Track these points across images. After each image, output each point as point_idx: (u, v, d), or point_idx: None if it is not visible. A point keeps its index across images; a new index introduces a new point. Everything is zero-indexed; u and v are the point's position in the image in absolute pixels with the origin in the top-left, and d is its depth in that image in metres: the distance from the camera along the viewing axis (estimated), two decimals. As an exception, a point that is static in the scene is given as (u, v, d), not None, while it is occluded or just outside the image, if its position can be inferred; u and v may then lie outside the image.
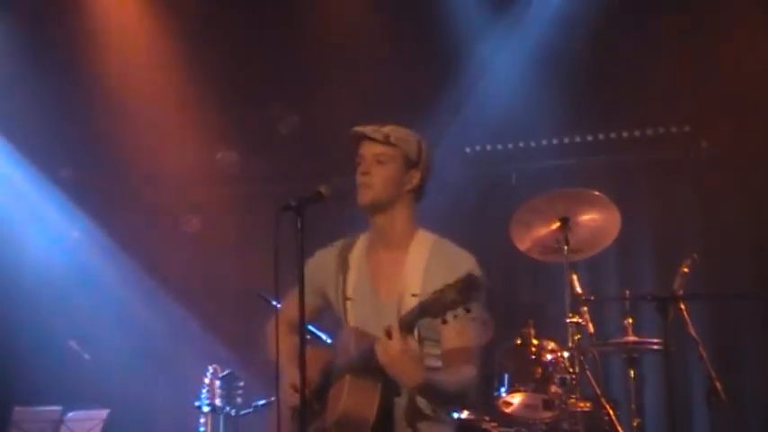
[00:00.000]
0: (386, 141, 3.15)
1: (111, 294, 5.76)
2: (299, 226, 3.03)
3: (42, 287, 5.70)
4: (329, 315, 3.31)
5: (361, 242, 3.28)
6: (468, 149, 6.01)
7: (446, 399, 3.06)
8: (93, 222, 5.88)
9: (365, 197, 3.16)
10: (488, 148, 5.99)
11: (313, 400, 3.13)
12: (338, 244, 3.30)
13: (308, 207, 3.08)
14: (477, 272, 3.01)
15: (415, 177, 3.19)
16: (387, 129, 3.18)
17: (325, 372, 3.13)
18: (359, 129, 3.18)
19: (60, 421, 5.03)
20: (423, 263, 3.13)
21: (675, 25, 5.27)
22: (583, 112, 5.67)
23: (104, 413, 5.14)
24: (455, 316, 2.84)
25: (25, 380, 5.44)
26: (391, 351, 2.87)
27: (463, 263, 3.09)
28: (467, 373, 3.04)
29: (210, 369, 4.88)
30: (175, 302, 5.71)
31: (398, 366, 2.89)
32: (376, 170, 3.15)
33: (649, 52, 5.40)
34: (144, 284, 5.77)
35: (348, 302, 3.20)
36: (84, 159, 5.93)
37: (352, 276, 3.23)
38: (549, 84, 5.53)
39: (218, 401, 4.85)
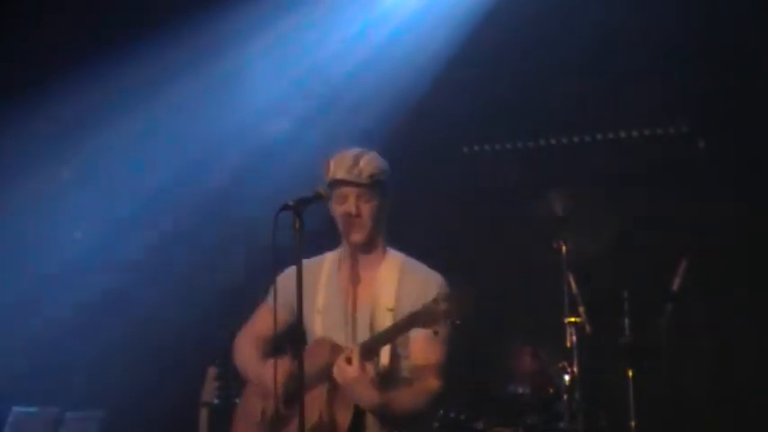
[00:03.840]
0: (370, 183, 3.25)
1: (110, 293, 5.76)
2: (297, 226, 3.08)
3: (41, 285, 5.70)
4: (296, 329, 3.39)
5: (331, 259, 3.45)
6: (465, 149, 6.01)
7: (403, 417, 3.21)
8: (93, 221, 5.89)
9: (359, 236, 3.33)
10: (486, 148, 5.99)
11: (281, 406, 3.28)
12: (307, 261, 3.41)
13: (306, 208, 3.13)
14: (446, 289, 3.24)
15: (389, 200, 3.33)
16: (363, 164, 3.25)
17: (293, 379, 3.23)
18: (342, 176, 3.24)
19: (59, 422, 5.03)
20: (395, 281, 3.31)
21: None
22: (580, 112, 5.67)
23: (101, 413, 5.15)
24: (436, 332, 3.06)
25: (22, 380, 5.43)
26: (347, 376, 3.09)
27: (433, 280, 3.30)
28: (432, 388, 3.24)
29: (210, 369, 4.88)
30: (175, 300, 5.71)
31: (354, 389, 3.10)
32: (364, 209, 3.29)
33: (647, 50, 5.41)
34: (144, 282, 5.77)
35: (318, 316, 3.30)
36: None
37: (323, 292, 3.37)
38: (547, 83, 5.53)
39: (216, 401, 4.86)
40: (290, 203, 3.12)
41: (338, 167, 3.29)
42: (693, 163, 5.51)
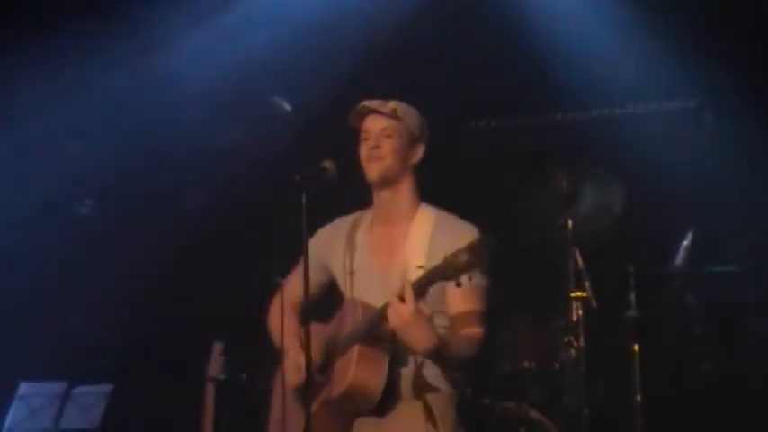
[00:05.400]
0: (393, 115, 3.19)
1: (115, 269, 5.77)
2: (303, 201, 3.05)
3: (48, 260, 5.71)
4: (332, 290, 3.34)
5: (363, 218, 3.34)
6: (472, 124, 6.00)
7: (455, 362, 3.10)
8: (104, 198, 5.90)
9: (375, 170, 3.22)
10: (492, 123, 5.98)
11: (316, 373, 3.17)
12: (338, 221, 3.37)
13: (312, 182, 3.10)
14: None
15: (420, 151, 3.26)
16: (392, 103, 3.21)
17: (328, 346, 3.18)
18: (366, 103, 3.21)
19: (66, 396, 5.06)
20: (427, 235, 3.18)
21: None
22: (585, 87, 5.64)
23: (109, 387, 5.18)
24: (470, 278, 2.88)
25: (30, 354, 5.46)
26: (404, 314, 2.90)
27: (467, 234, 3.12)
28: (475, 334, 3.11)
29: (215, 344, 4.90)
30: (180, 276, 5.72)
31: (411, 330, 2.93)
32: (384, 143, 3.21)
33: (654, 24, 5.38)
34: (151, 258, 5.77)
35: (351, 276, 3.24)
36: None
37: (355, 251, 3.27)
38: (553, 57, 5.51)
39: (222, 377, 4.87)
40: (297, 178, 3.07)
41: (368, 102, 3.23)
42: (700, 138, 5.50)
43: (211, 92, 5.64)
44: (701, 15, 5.27)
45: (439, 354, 3.00)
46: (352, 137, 3.32)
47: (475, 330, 3.11)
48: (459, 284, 2.88)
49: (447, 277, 2.90)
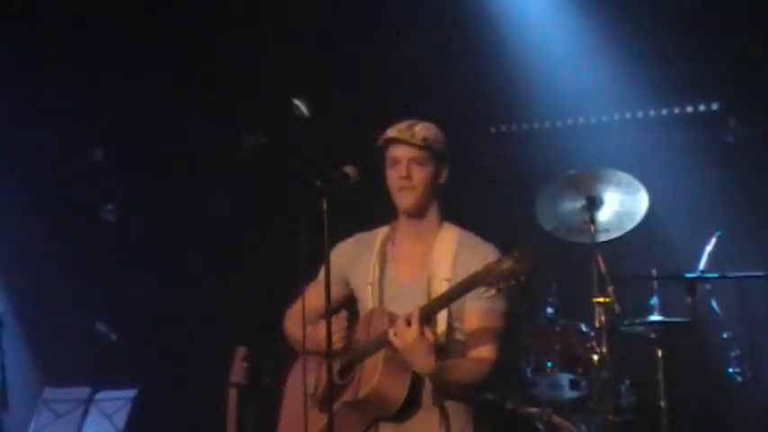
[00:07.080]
0: (422, 145, 3.19)
1: (140, 272, 5.79)
2: (324, 207, 3.05)
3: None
4: (350, 303, 3.37)
5: (384, 234, 3.38)
6: (493, 129, 5.99)
7: (458, 385, 3.16)
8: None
9: (409, 200, 3.25)
10: (513, 127, 5.97)
11: (339, 377, 3.23)
12: (360, 236, 3.39)
13: (333, 188, 3.09)
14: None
15: (445, 173, 3.27)
16: (418, 129, 3.21)
17: (352, 350, 3.22)
18: (393, 135, 3.20)
19: (90, 401, 5.09)
20: (451, 252, 3.24)
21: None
22: (608, 91, 5.62)
23: (133, 393, 5.20)
24: (512, 286, 3.00)
25: (54, 360, 5.49)
26: (406, 338, 3.01)
27: (490, 253, 3.20)
28: (484, 357, 3.17)
29: (238, 349, 4.90)
30: (204, 280, 5.74)
31: (411, 353, 3.03)
32: (416, 173, 3.23)
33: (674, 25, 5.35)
34: (174, 263, 5.80)
35: (371, 288, 3.28)
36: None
37: (377, 265, 3.31)
38: (574, 62, 5.49)
39: (245, 382, 4.87)
40: (319, 184, 3.07)
41: (392, 130, 3.24)
42: (724, 141, 5.47)
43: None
44: (724, 17, 5.25)
45: (438, 377, 3.08)
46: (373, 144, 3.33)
47: (487, 353, 3.16)
48: (499, 290, 3.04)
49: (488, 284, 3.01)
